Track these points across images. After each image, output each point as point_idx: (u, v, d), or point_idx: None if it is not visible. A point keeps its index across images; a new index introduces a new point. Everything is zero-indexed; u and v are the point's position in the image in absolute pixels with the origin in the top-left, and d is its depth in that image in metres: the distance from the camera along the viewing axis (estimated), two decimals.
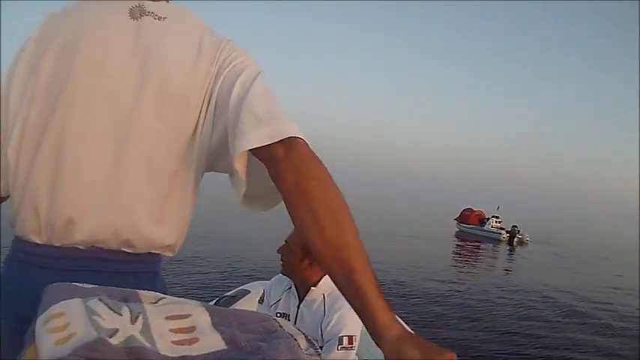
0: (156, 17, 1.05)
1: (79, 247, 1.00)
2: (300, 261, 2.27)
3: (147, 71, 1.01)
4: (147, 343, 0.71)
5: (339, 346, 2.11)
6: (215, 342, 0.74)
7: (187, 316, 0.77)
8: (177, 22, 1.07)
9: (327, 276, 2.27)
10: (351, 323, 2.15)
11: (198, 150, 1.05)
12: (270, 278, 2.68)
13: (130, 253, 1.03)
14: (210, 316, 0.78)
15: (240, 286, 4.12)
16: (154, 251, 1.06)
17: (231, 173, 1.01)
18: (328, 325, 2.17)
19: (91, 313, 0.73)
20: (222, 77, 1.02)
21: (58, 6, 1.13)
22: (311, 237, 0.85)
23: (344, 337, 2.12)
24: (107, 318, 0.72)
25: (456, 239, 34.25)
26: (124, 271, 1.03)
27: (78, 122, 1.00)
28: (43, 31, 1.06)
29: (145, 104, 1.00)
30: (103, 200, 0.99)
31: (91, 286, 0.83)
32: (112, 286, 0.93)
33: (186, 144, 1.03)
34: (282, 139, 0.90)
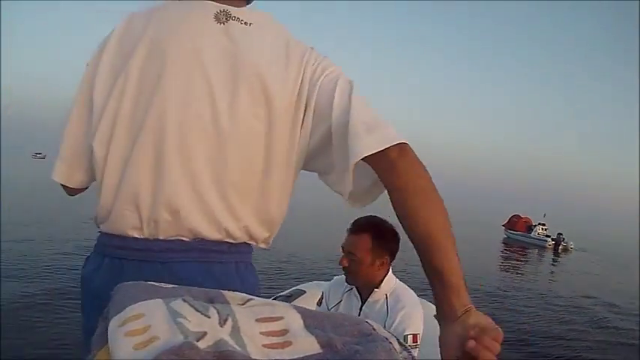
0: (242, 22, 1.08)
1: (184, 238, 1.03)
2: (372, 265, 2.24)
3: (239, 74, 1.04)
4: (237, 347, 0.65)
5: (405, 345, 2.03)
6: (310, 345, 0.67)
7: (279, 318, 0.71)
8: (263, 29, 1.10)
9: (388, 276, 2.31)
10: (415, 322, 2.15)
11: (296, 150, 1.09)
12: (316, 279, 2.64)
13: (230, 243, 1.06)
14: (302, 318, 0.72)
15: (289, 286, 4.07)
16: (250, 242, 1.10)
17: (325, 172, 1.13)
18: (392, 324, 2.14)
19: (175, 314, 0.67)
20: (317, 85, 1.07)
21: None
22: (421, 223, 0.95)
23: (409, 336, 2.10)
24: (193, 320, 0.67)
25: (503, 245, 34.95)
26: (225, 261, 1.06)
27: (178, 119, 1.02)
28: (125, 32, 1.09)
29: (242, 104, 1.03)
30: (206, 192, 1.02)
31: (170, 285, 0.78)
32: (215, 276, 1.02)
33: (282, 144, 1.07)
34: (396, 144, 0.98)
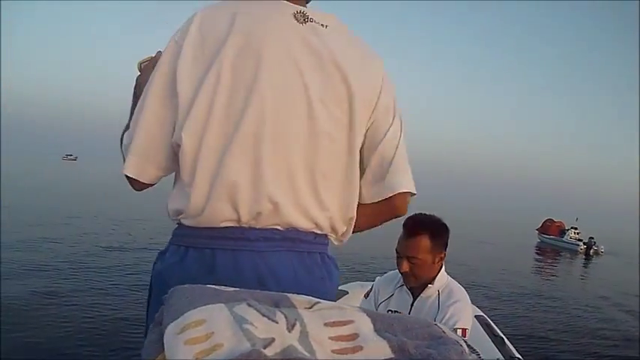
0: (320, 24, 1.12)
1: (278, 227, 1.06)
2: (432, 263, 2.26)
3: (326, 72, 1.08)
4: (306, 353, 0.61)
5: None
6: (381, 350, 0.64)
7: (349, 322, 0.67)
8: (337, 31, 1.13)
9: (441, 272, 2.30)
10: (465, 316, 2.16)
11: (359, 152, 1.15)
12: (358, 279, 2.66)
13: (316, 234, 1.10)
14: (372, 321, 0.69)
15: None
16: (329, 234, 1.15)
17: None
18: (443, 318, 2.15)
19: (240, 320, 0.64)
20: (382, 107, 1.15)
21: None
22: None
23: (458, 330, 2.10)
24: (260, 326, 0.64)
25: (536, 249, 35.38)
26: (313, 250, 1.10)
27: (275, 113, 1.04)
28: (205, 24, 1.07)
29: (331, 100, 1.08)
30: (301, 184, 1.06)
31: (231, 288, 0.75)
32: (306, 265, 1.07)
33: (355, 144, 1.12)
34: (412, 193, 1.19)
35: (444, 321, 2.13)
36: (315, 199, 1.08)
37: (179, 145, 1.04)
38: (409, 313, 2.30)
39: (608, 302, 14.72)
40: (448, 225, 2.34)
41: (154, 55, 1.29)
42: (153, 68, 1.24)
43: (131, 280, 9.53)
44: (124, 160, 1.10)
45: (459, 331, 2.09)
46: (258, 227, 1.04)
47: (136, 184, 1.14)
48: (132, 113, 1.16)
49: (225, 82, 1.03)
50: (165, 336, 0.65)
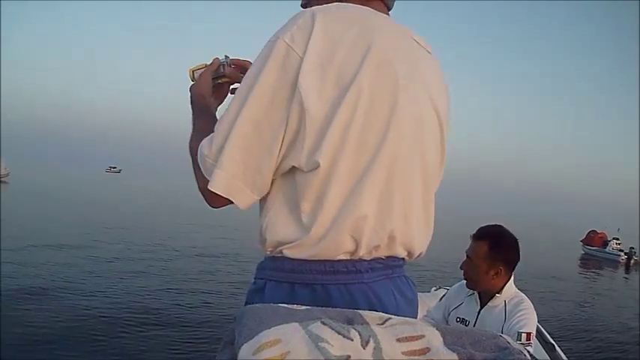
0: (427, 51, 1.09)
1: (382, 257, 1.01)
2: (486, 273, 2.34)
3: (432, 100, 1.06)
4: None
5: (517, 342, 2.08)
6: None
7: (420, 337, 0.70)
8: (435, 59, 1.12)
9: (508, 284, 2.36)
10: (531, 323, 2.25)
11: None
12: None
13: (403, 258, 1.06)
14: (442, 335, 0.71)
15: None
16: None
17: None
18: (508, 327, 2.24)
19: (316, 339, 0.66)
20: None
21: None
22: None
23: (522, 334, 2.18)
24: (335, 344, 0.66)
25: (579, 260, 37.01)
26: (402, 274, 1.07)
27: (407, 142, 0.99)
28: (330, 36, 0.94)
29: (435, 129, 1.08)
30: (414, 219, 1.03)
31: (303, 307, 0.77)
32: (401, 290, 1.03)
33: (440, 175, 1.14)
34: None
35: (510, 326, 2.23)
36: (422, 232, 1.06)
37: (295, 168, 0.94)
38: (475, 321, 2.39)
39: None
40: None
41: (209, 63, 1.24)
42: (211, 77, 1.22)
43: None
44: (205, 173, 0.97)
45: (523, 335, 2.17)
46: (367, 259, 0.98)
47: (217, 202, 1.00)
48: (195, 124, 1.11)
49: (363, 106, 0.93)
50: (239, 356, 0.66)
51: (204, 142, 0.98)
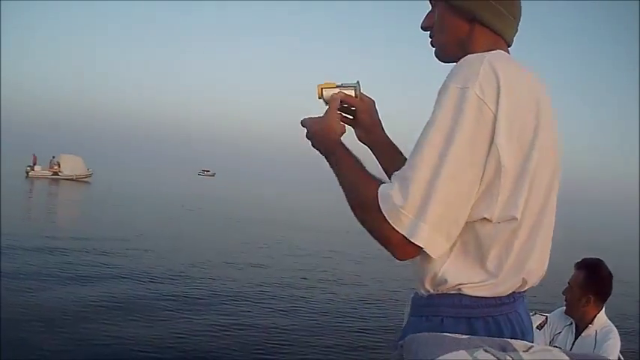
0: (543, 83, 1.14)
1: (519, 292, 1.12)
2: (578, 300, 2.57)
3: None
4: None
5: None
6: None
7: None
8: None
9: (600, 314, 2.60)
10: (614, 350, 2.52)
11: None
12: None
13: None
14: None
15: None
16: None
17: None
18: (599, 352, 2.44)
19: None
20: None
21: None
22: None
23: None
24: None
25: None
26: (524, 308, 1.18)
27: (547, 177, 1.09)
28: (513, 96, 0.99)
29: (557, 164, 1.14)
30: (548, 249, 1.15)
31: (464, 336, 0.91)
32: (527, 312, 1.15)
33: None
34: None
35: (598, 352, 2.44)
36: (545, 266, 1.14)
37: (485, 220, 1.01)
38: (571, 349, 2.59)
39: None
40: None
41: (339, 85, 1.24)
42: (347, 101, 1.26)
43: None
44: (394, 222, 0.98)
45: None
46: (506, 293, 1.08)
47: (406, 253, 1.02)
48: (339, 164, 1.15)
49: (538, 163, 1.03)
50: None
51: (392, 191, 0.99)
